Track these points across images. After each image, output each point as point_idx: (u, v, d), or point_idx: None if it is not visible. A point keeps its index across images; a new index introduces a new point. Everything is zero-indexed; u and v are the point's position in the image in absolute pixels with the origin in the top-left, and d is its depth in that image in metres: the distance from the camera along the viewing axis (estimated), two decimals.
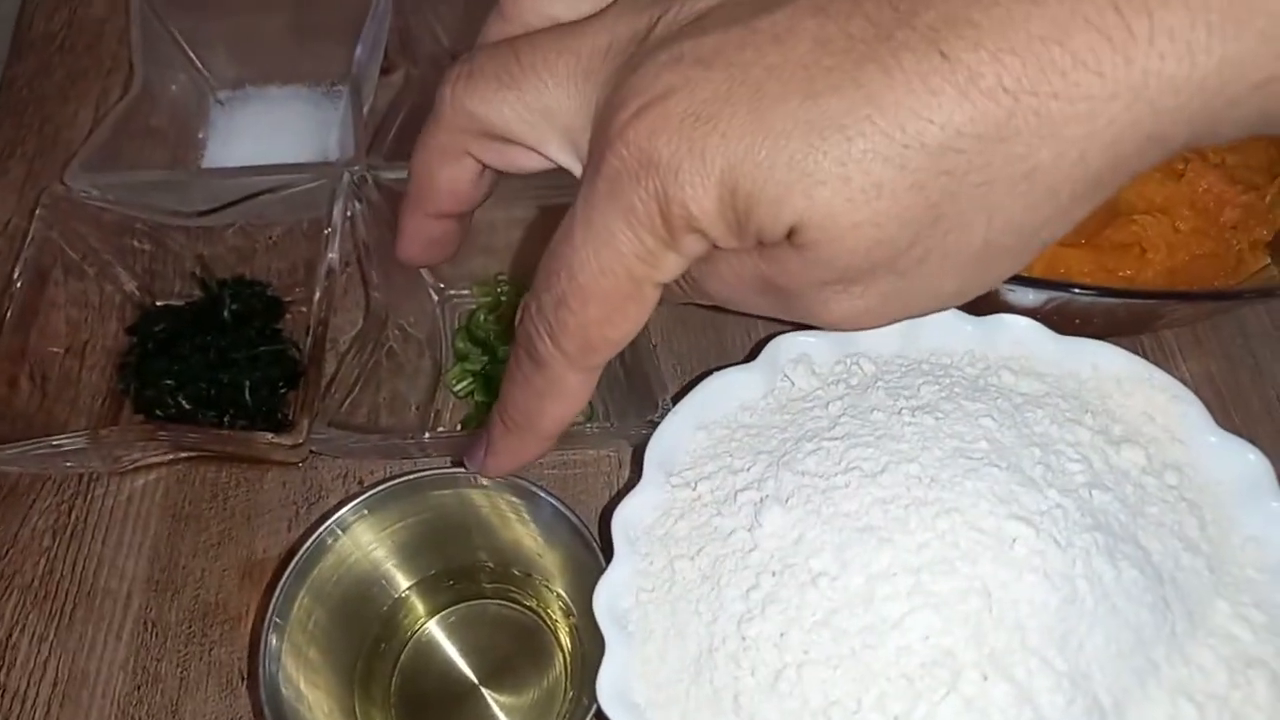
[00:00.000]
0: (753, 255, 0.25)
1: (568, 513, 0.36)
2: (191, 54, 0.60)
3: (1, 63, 0.65)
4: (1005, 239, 0.23)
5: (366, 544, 0.40)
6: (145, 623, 0.46)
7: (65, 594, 0.47)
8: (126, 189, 0.52)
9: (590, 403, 0.48)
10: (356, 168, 0.49)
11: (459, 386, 0.49)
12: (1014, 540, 0.31)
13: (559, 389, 0.29)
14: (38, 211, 0.50)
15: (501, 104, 0.28)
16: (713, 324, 0.53)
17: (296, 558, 0.37)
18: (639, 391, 0.45)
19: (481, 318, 0.51)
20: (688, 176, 0.23)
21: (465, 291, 0.53)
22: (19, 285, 0.48)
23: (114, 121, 0.54)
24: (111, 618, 0.46)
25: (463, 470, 0.37)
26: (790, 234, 0.23)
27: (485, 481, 0.37)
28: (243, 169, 0.53)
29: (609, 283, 0.26)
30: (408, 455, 0.47)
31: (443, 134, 0.29)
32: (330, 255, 0.48)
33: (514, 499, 0.38)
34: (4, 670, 0.45)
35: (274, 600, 0.36)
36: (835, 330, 0.28)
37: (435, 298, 0.53)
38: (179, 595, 0.46)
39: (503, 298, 0.53)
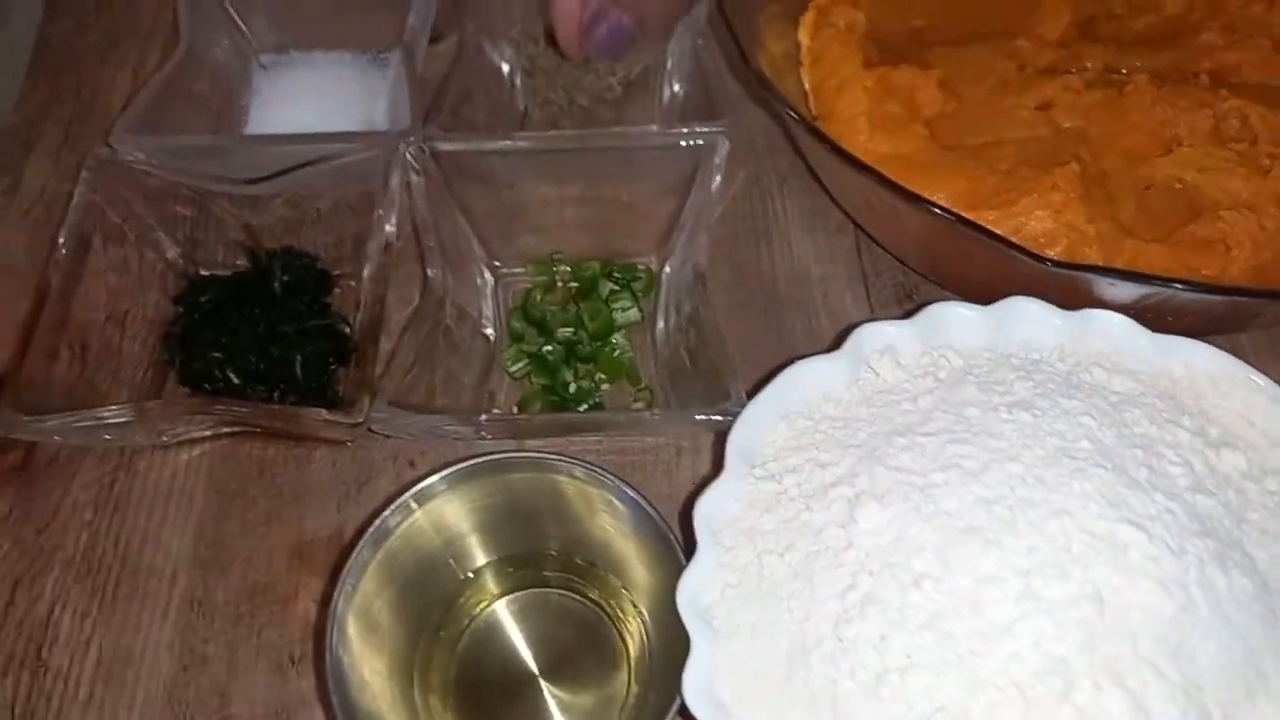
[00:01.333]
0: None
1: (647, 505, 0.35)
2: (236, 16, 0.59)
3: (37, 21, 0.63)
4: None
5: (435, 524, 0.38)
6: (192, 602, 0.44)
7: (108, 570, 0.45)
8: (171, 154, 0.50)
9: (650, 388, 0.47)
10: (413, 139, 0.48)
11: (515, 367, 0.48)
12: (1127, 545, 0.30)
13: None
14: (83, 175, 0.48)
15: None
16: (773, 309, 0.51)
17: (368, 533, 0.36)
18: (706, 378, 0.44)
19: (538, 297, 0.50)
20: None
21: (519, 270, 0.52)
22: (63, 252, 0.47)
23: (158, 85, 0.52)
24: (157, 596, 0.45)
25: (545, 454, 0.36)
26: None
27: (566, 470, 0.36)
28: (293, 136, 0.52)
29: None
30: (462, 437, 0.46)
31: None
32: (387, 229, 0.46)
33: (590, 487, 0.36)
34: (46, 647, 0.43)
35: (343, 577, 0.35)
36: None
37: (489, 275, 0.51)
38: (226, 574, 0.45)
39: (558, 278, 0.51)
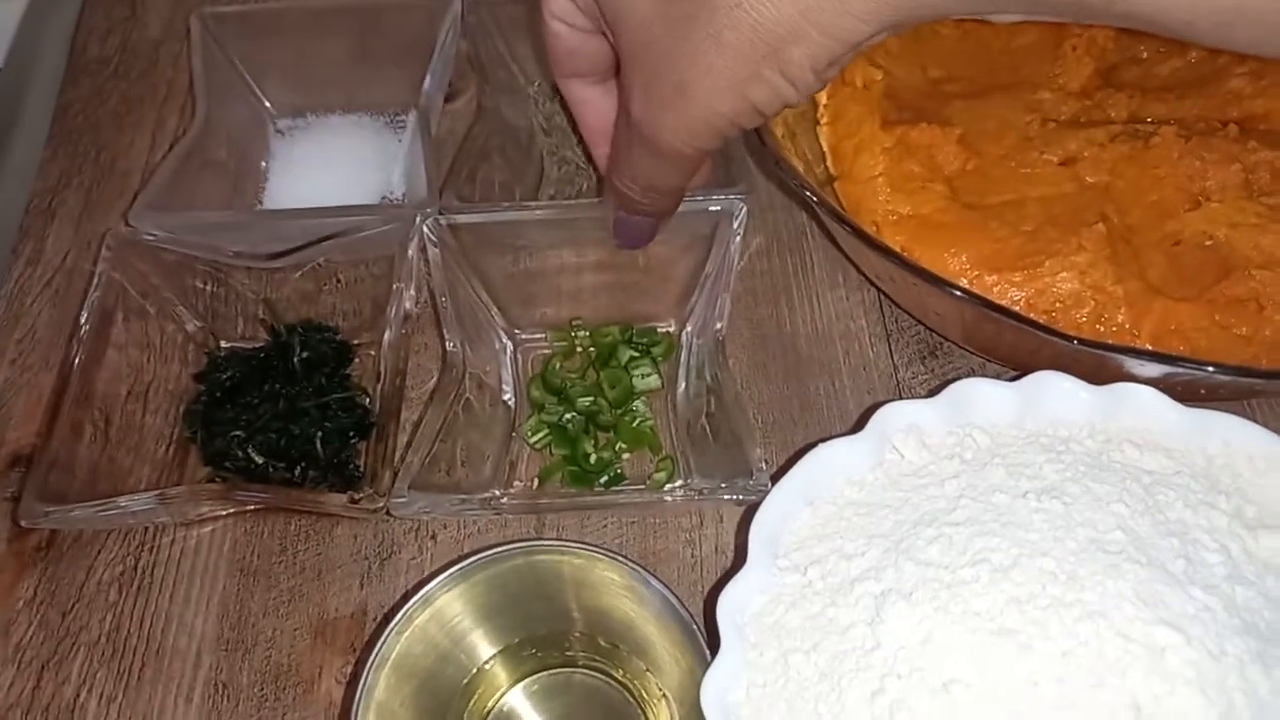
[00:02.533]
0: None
1: (672, 597, 0.34)
2: (252, 82, 0.59)
3: (56, 88, 0.64)
4: (740, 69, 0.32)
5: (453, 615, 0.38)
6: (215, 684, 0.44)
7: (133, 652, 0.45)
8: (190, 229, 0.50)
9: (671, 457, 0.47)
10: (429, 211, 0.48)
11: (535, 438, 0.48)
12: (1164, 649, 0.29)
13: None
14: (103, 254, 0.48)
15: None
16: (794, 369, 0.51)
17: (384, 635, 0.36)
18: (728, 449, 0.44)
19: (556, 364, 0.50)
20: None
21: (538, 336, 0.52)
22: (86, 329, 0.47)
23: (177, 158, 0.52)
24: (181, 678, 0.44)
25: (568, 542, 0.36)
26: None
27: (585, 554, 0.36)
28: (311, 210, 0.52)
29: None
30: (484, 514, 0.45)
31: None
32: (406, 304, 0.46)
33: (614, 574, 0.36)
34: None
35: (361, 683, 0.35)
36: (670, 152, 0.35)
37: (507, 342, 0.51)
38: (250, 655, 0.45)
39: (578, 344, 0.51)
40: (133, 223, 0.49)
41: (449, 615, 0.37)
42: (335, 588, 0.46)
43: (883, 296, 0.53)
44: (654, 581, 0.35)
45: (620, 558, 0.35)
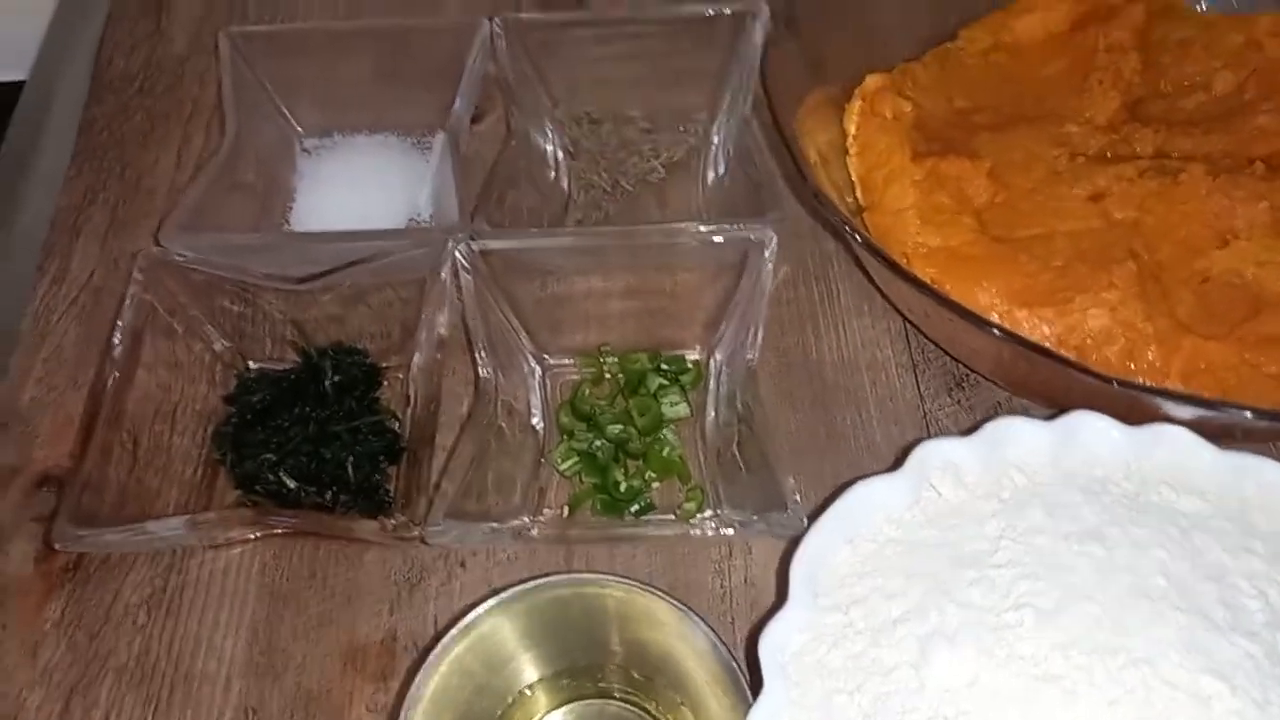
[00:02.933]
0: None
1: (716, 638, 0.34)
2: (280, 102, 0.59)
3: (81, 103, 0.64)
4: None
5: (492, 644, 0.38)
6: (246, 710, 0.44)
7: (162, 677, 0.45)
8: (220, 250, 0.50)
9: (700, 487, 0.47)
10: (460, 235, 0.48)
11: (565, 465, 0.48)
12: (1210, 698, 0.29)
13: None
14: (135, 275, 0.48)
15: None
16: (821, 398, 0.51)
17: (424, 667, 0.36)
18: (760, 481, 0.44)
19: (586, 391, 0.50)
20: None
21: (566, 362, 0.52)
22: (118, 351, 0.47)
23: (207, 179, 0.52)
24: (210, 703, 0.44)
25: (605, 575, 0.36)
26: None
27: (629, 589, 0.36)
28: (341, 233, 0.52)
29: None
30: (518, 541, 0.46)
31: None
32: (439, 330, 0.46)
33: (657, 611, 0.36)
34: None
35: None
36: None
37: (536, 367, 0.51)
38: (280, 681, 0.45)
39: (606, 371, 0.51)
40: (163, 243, 0.50)
41: (488, 645, 0.37)
42: (365, 613, 0.46)
43: (909, 326, 0.53)
44: (698, 620, 0.35)
45: (664, 595, 0.35)
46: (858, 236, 0.40)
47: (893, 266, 0.39)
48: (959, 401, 0.51)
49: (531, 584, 0.36)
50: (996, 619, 0.32)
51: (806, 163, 0.43)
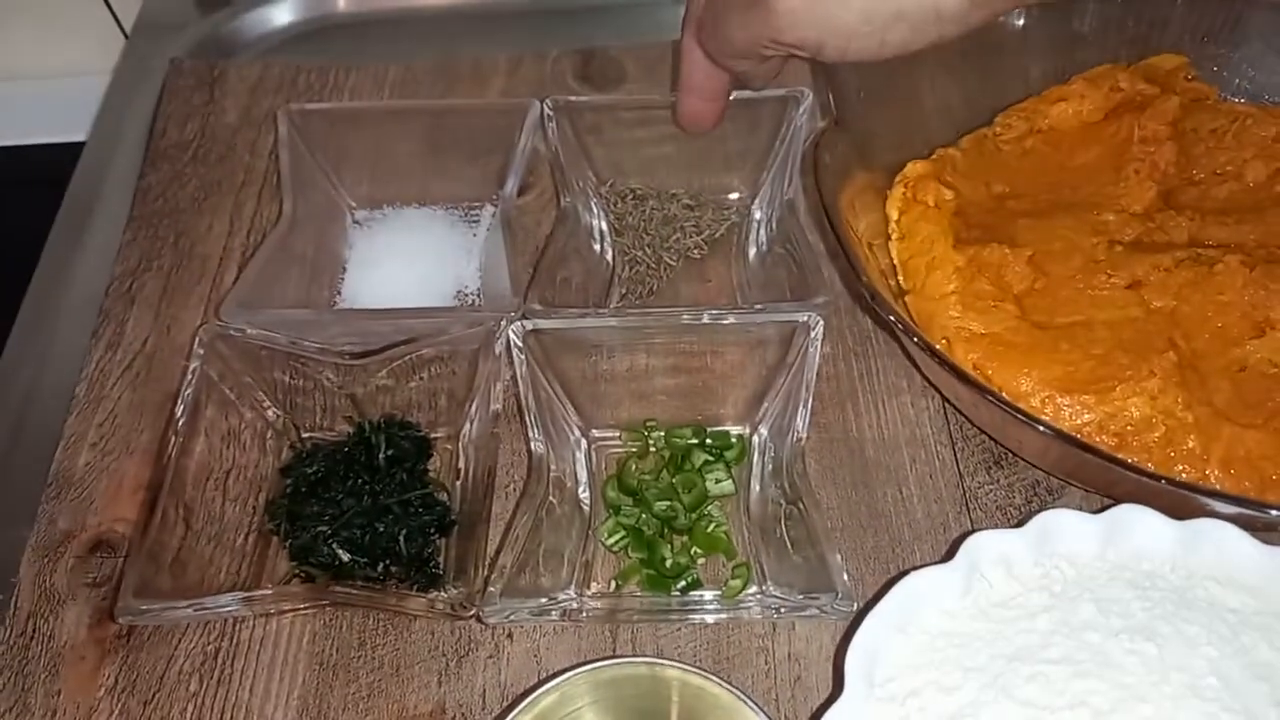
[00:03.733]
0: None
1: None
2: (333, 176, 0.61)
3: (136, 170, 0.66)
4: None
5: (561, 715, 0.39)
6: None
7: None
8: (275, 324, 0.52)
9: (746, 564, 0.48)
10: (513, 314, 0.49)
11: (611, 540, 0.49)
12: None
13: (682, 46, 0.46)
14: (196, 350, 0.50)
15: None
16: (861, 476, 0.52)
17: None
18: (807, 563, 0.45)
19: (633, 466, 0.51)
20: None
21: (610, 435, 0.53)
22: (181, 423, 0.48)
23: (265, 255, 0.54)
24: None
25: (663, 660, 0.37)
26: None
27: (702, 678, 0.37)
28: (398, 310, 0.53)
29: None
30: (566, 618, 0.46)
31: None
32: (494, 405, 0.48)
33: (725, 703, 0.37)
34: None
35: None
36: (779, 25, 0.36)
37: (581, 440, 0.52)
38: None
39: (651, 445, 0.52)
40: (224, 318, 0.51)
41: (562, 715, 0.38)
42: (414, 684, 0.47)
43: (947, 404, 0.54)
44: (757, 709, 0.35)
45: (724, 681, 0.36)
46: (916, 338, 0.41)
47: (945, 363, 0.40)
48: (998, 480, 0.51)
49: (612, 661, 0.37)
50: (1053, 717, 0.32)
51: (857, 255, 0.44)
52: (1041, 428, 0.39)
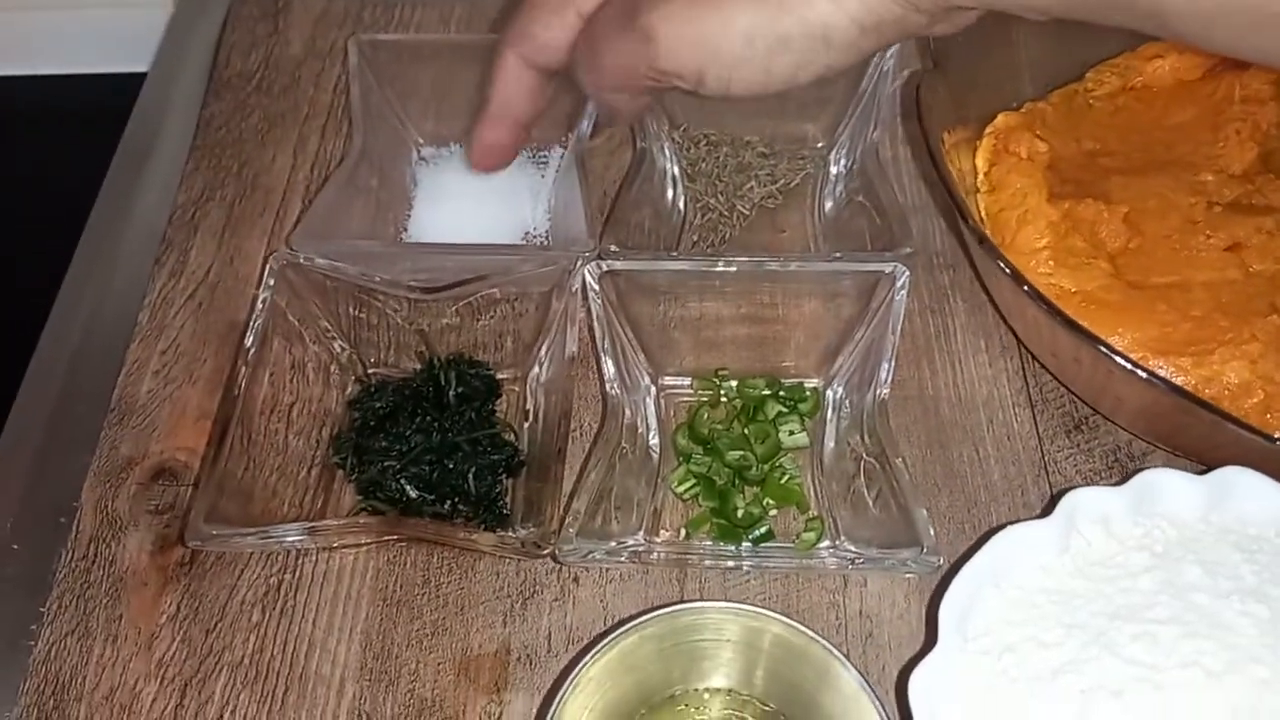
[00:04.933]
0: None
1: (868, 687, 0.34)
2: (400, 111, 0.59)
3: (199, 99, 0.65)
4: None
5: (633, 662, 0.38)
6: (360, 714, 0.44)
7: (276, 675, 0.45)
8: (345, 256, 0.51)
9: (820, 518, 0.47)
10: (588, 255, 0.48)
11: (682, 488, 0.48)
12: None
13: (502, 68, 0.41)
14: (267, 279, 0.49)
15: None
16: (937, 435, 0.51)
17: (588, 656, 0.36)
18: (888, 517, 0.44)
19: (705, 414, 0.50)
20: None
21: (682, 382, 0.52)
22: (251, 353, 0.47)
23: (336, 186, 0.53)
24: (325, 705, 0.45)
25: (748, 606, 0.36)
26: None
27: (786, 626, 0.36)
28: (472, 246, 0.52)
29: None
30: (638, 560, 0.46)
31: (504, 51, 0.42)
32: (569, 346, 0.47)
33: (808, 651, 0.36)
34: None
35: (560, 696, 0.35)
36: (656, 53, 0.34)
37: (651, 387, 0.51)
38: (393, 688, 0.45)
39: (723, 395, 0.51)
40: (295, 247, 0.50)
41: (630, 661, 0.37)
42: (478, 624, 0.46)
43: (1027, 365, 0.53)
44: (849, 665, 0.35)
45: (823, 640, 0.35)
46: (1026, 286, 0.40)
47: (1053, 310, 0.39)
48: (1078, 445, 0.50)
49: (697, 605, 0.36)
50: (1163, 676, 0.31)
51: (963, 197, 0.43)
52: (1156, 380, 0.37)
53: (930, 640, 0.35)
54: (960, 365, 0.53)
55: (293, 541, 0.45)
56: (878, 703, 0.34)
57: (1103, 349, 0.38)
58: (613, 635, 0.37)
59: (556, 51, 0.39)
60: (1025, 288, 0.40)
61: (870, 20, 0.31)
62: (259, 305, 0.48)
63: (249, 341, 0.47)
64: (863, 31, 0.31)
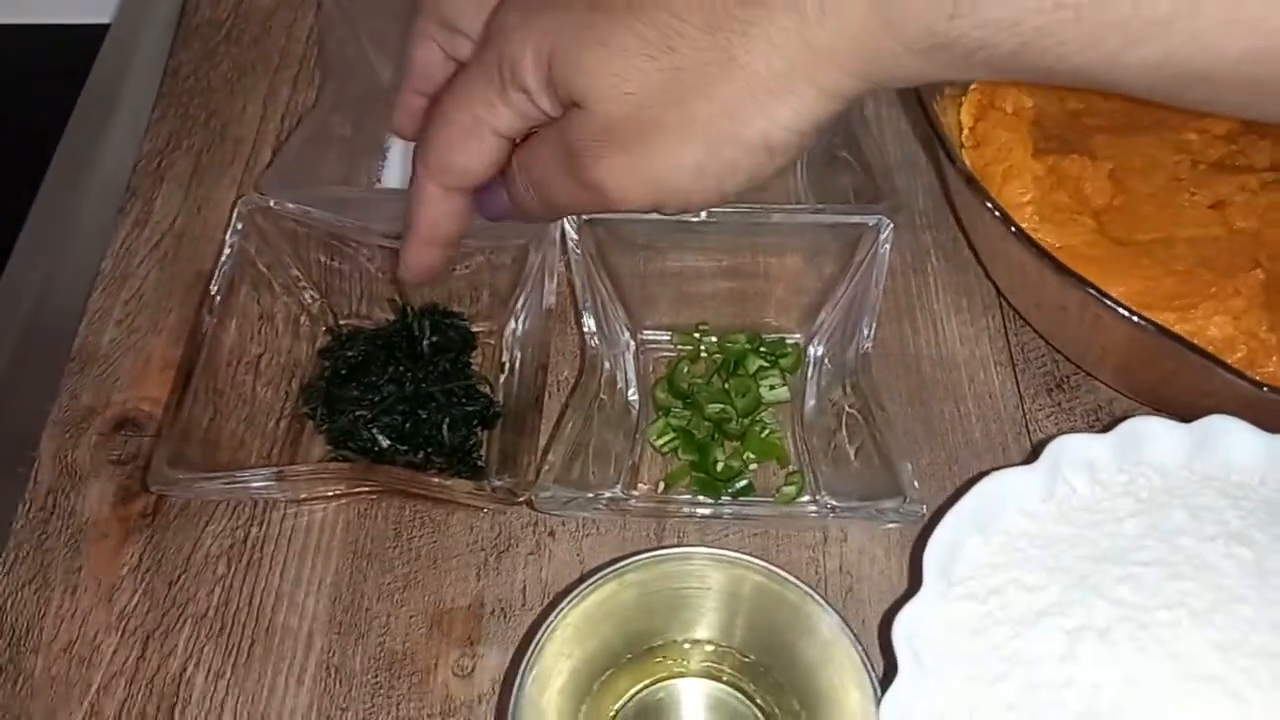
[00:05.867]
0: (557, 126, 0.34)
1: (849, 631, 0.34)
2: (374, 57, 0.58)
3: (166, 48, 0.63)
4: (723, 120, 0.32)
5: (622, 602, 0.37)
6: (328, 667, 0.43)
7: (242, 628, 0.44)
8: (317, 202, 0.49)
9: (800, 472, 0.46)
10: None
11: (661, 441, 0.47)
12: None
13: (424, 196, 0.39)
14: (235, 224, 0.47)
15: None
16: (918, 393, 0.50)
17: (561, 606, 0.35)
18: (870, 470, 0.43)
19: (684, 369, 0.49)
20: (520, 44, 0.33)
21: (662, 337, 0.51)
22: (217, 299, 0.46)
23: (306, 132, 0.51)
24: (292, 659, 0.43)
25: (727, 551, 0.35)
26: (578, 102, 0.33)
27: (765, 572, 0.35)
28: None
29: (459, 115, 0.36)
30: (614, 513, 0.45)
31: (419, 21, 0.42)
32: (548, 297, 0.46)
33: (788, 597, 0.35)
34: (179, 707, 0.42)
35: (533, 645, 0.34)
36: (611, 200, 0.34)
37: (630, 341, 0.50)
38: (363, 641, 0.44)
39: (703, 350, 0.50)
40: (264, 192, 0.48)
41: (607, 609, 0.36)
42: (451, 577, 0.45)
43: (1008, 325, 0.52)
44: (829, 608, 0.34)
45: (800, 583, 0.35)
46: (1013, 227, 0.39)
47: (1042, 253, 0.38)
48: (1059, 403, 0.50)
49: (675, 551, 0.35)
50: (1149, 617, 0.31)
51: (951, 141, 0.42)
52: (1144, 323, 0.37)
53: (914, 586, 0.34)
54: (941, 324, 0.53)
55: (260, 488, 0.44)
56: (858, 645, 0.33)
57: (1091, 290, 0.37)
58: (591, 581, 0.36)
59: (479, 175, 0.38)
60: (1013, 229, 0.39)
61: (808, 124, 0.32)
62: (226, 250, 0.47)
63: (215, 286, 0.46)
64: (802, 135, 0.32)
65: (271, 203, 0.48)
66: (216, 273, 0.47)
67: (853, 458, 0.44)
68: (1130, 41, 0.27)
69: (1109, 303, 0.37)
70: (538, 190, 0.37)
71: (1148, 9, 0.27)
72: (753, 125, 0.32)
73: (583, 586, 0.35)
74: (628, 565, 0.35)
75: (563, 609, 0.35)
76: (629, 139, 0.33)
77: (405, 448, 0.46)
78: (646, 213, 0.35)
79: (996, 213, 0.40)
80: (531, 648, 0.34)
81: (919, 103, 0.43)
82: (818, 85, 0.31)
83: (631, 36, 0.31)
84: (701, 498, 0.45)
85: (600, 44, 0.32)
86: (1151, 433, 0.37)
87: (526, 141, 0.37)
